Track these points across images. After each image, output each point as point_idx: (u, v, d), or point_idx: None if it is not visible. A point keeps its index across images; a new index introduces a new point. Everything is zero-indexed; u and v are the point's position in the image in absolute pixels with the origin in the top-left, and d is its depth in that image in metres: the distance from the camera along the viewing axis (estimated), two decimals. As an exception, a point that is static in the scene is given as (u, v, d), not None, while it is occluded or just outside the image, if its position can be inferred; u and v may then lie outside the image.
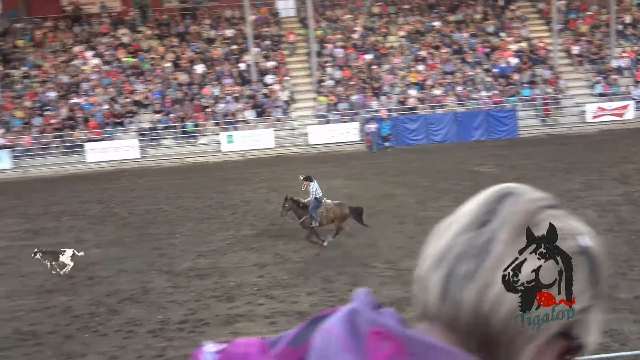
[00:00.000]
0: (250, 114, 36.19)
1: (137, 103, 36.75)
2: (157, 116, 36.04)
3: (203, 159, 34.15)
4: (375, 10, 43.04)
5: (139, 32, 41.38)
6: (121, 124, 35.74)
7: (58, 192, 28.96)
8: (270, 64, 39.02)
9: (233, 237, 20.52)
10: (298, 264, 17.65)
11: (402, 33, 41.25)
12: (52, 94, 37.13)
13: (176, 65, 38.83)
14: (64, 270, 18.25)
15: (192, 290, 16.34)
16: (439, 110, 36.93)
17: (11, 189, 30.10)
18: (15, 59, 39.61)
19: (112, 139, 35.00)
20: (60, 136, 35.02)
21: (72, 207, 25.96)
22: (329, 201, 19.74)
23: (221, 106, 36.47)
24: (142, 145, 34.74)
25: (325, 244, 19.12)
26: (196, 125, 35.69)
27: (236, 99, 36.85)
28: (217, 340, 1.15)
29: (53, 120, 35.60)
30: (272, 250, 19.05)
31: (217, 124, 35.87)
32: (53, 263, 18.32)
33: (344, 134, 35.65)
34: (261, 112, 36.32)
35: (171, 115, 35.94)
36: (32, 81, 38.10)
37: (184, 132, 35.55)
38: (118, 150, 34.33)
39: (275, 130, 35.48)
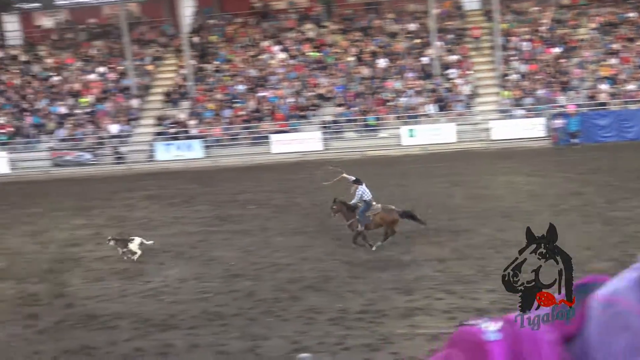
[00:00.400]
0: (431, 108, 35.97)
1: (320, 96, 37.58)
2: (340, 109, 36.67)
3: (384, 152, 34.31)
4: (565, 1, 41.40)
5: (324, 27, 42.25)
6: (305, 116, 36.69)
7: (244, 181, 30.16)
8: (453, 57, 38.57)
9: (412, 231, 20.45)
10: (479, 260, 17.31)
11: (593, 25, 39.38)
12: (241, 87, 38.75)
13: (359, 59, 39.31)
14: (134, 257, 19.34)
15: (371, 282, 16.47)
16: (632, 106, 34.94)
17: (202, 177, 31.70)
18: (209, 53, 41.66)
19: (296, 131, 36.00)
20: (248, 127, 36.48)
21: (258, 196, 26.92)
22: (378, 205, 19.52)
23: (403, 100, 36.52)
24: (325, 137, 35.48)
25: (374, 248, 18.91)
26: (378, 119, 35.96)
27: (418, 93, 36.76)
28: (489, 318, 1.10)
29: (241, 112, 37.15)
30: (451, 245, 18.83)
31: (399, 117, 35.96)
32: (124, 250, 19.48)
33: (529, 129, 34.57)
34: (443, 106, 36.01)
35: (353, 109, 36.44)
36: (223, 75, 39.95)
37: (366, 125, 35.93)
38: (302, 142, 35.26)
39: (457, 125, 35.04)
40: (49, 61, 43.18)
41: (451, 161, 30.90)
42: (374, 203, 19.53)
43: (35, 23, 47.37)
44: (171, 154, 35.88)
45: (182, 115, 37.69)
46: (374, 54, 39.41)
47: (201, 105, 38.06)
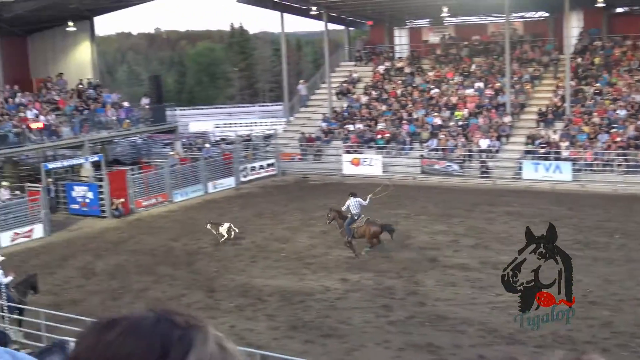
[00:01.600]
0: None
1: None
2: None
3: None
4: None
5: None
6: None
7: (613, 209, 28.45)
8: None
9: None
10: None
11: None
12: (622, 112, 36.66)
13: None
14: (222, 239, 23.45)
15: None
16: None
17: (567, 200, 30.58)
18: (590, 75, 40.07)
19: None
20: (624, 155, 34.37)
21: (626, 226, 25.24)
22: (365, 219, 21.71)
23: None
24: None
25: (363, 253, 21.41)
26: None
27: None
28: None
29: (618, 139, 35.12)
30: None
31: None
32: (218, 232, 23.58)
33: None
34: None
35: None
36: (603, 98, 38.14)
37: None
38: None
39: None
40: (431, 74, 44.98)
41: None
42: (361, 216, 21.66)
43: (423, 38, 49.68)
44: (538, 173, 35.13)
45: (555, 136, 36.70)
46: None
47: (576, 128, 36.72)
